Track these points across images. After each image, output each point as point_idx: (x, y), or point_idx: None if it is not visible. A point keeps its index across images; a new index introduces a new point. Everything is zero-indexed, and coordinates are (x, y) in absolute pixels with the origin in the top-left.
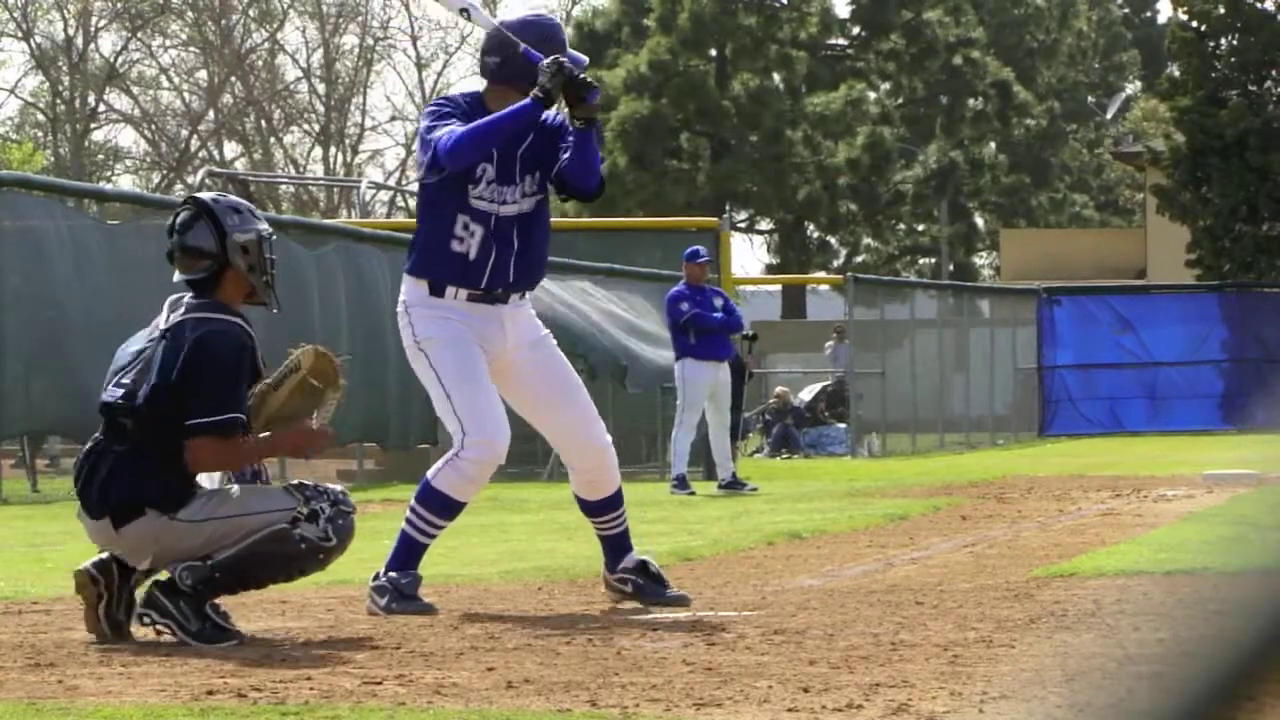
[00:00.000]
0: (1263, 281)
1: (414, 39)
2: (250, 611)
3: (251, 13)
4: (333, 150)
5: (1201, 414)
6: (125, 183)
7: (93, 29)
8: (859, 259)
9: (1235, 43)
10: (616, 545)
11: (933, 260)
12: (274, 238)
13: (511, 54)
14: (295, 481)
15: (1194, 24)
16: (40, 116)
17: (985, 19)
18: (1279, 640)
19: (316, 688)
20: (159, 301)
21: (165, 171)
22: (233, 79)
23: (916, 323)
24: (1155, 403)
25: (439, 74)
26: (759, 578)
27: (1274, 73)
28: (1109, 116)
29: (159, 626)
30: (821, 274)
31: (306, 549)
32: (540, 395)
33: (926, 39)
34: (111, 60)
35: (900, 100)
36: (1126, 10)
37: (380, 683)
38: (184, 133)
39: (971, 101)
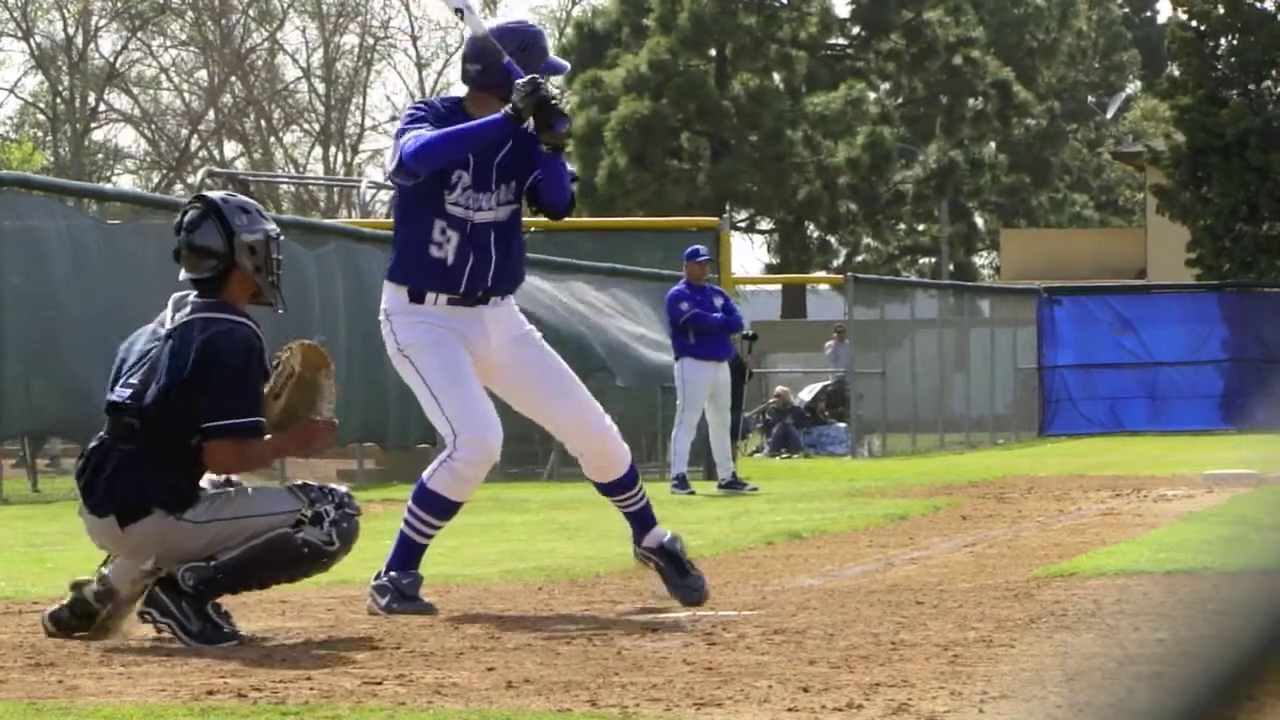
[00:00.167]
0: (1263, 281)
1: (414, 39)
2: (250, 611)
3: (251, 13)
4: (333, 150)
5: (1202, 414)
6: (125, 183)
7: (93, 29)
8: (859, 259)
9: (1235, 42)
10: (639, 520)
11: (933, 260)
12: (281, 238)
13: (493, 62)
14: (300, 482)
15: (1194, 24)
16: (40, 116)
17: (985, 19)
18: (1279, 640)
19: (316, 688)
20: (159, 301)
21: (165, 171)
22: (233, 79)
23: (917, 323)
24: (1155, 403)
25: (439, 74)
26: (759, 578)
27: (1274, 72)
28: (1109, 116)
29: (160, 625)
30: (821, 274)
31: (309, 552)
32: (534, 388)
33: (926, 39)
34: (111, 60)
35: (900, 100)
36: (1126, 10)
37: (380, 683)
38: (184, 133)
39: (971, 101)
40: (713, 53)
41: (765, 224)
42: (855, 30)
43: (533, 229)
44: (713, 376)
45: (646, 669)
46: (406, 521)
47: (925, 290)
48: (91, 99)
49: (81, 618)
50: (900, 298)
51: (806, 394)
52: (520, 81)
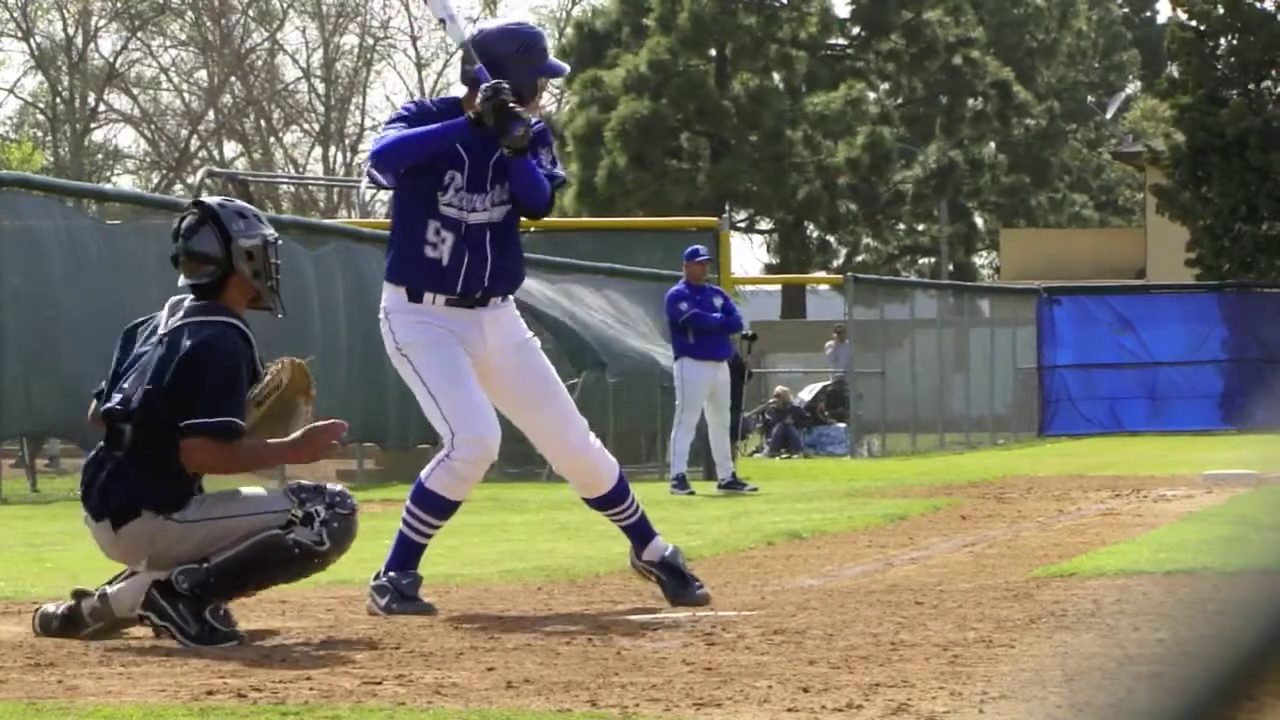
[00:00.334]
0: (1263, 281)
1: (414, 39)
2: (250, 611)
3: (251, 13)
4: (333, 150)
5: (1201, 414)
6: (125, 183)
7: (93, 29)
8: (859, 259)
9: (1235, 42)
10: (635, 533)
11: (933, 260)
12: (279, 242)
13: (490, 62)
14: (295, 483)
15: (1194, 24)
16: (40, 116)
17: (985, 19)
18: (1279, 640)
19: (316, 688)
20: (158, 301)
21: (165, 172)
22: (233, 79)
23: (916, 323)
24: (1155, 403)
25: (439, 74)
26: (759, 578)
27: (1274, 72)
28: (1109, 116)
29: (158, 628)
30: (821, 274)
31: (301, 553)
32: (520, 398)
33: (926, 39)
34: (111, 60)
35: (900, 100)
36: (1126, 10)
37: (380, 683)
38: (184, 133)
39: (971, 101)
40: (713, 53)
41: (765, 224)
42: (855, 30)
43: (531, 229)
44: (712, 376)
45: (646, 669)
46: (405, 521)
47: (925, 290)
48: (91, 99)
49: (70, 626)
50: (900, 298)
51: (806, 394)
52: (482, 86)
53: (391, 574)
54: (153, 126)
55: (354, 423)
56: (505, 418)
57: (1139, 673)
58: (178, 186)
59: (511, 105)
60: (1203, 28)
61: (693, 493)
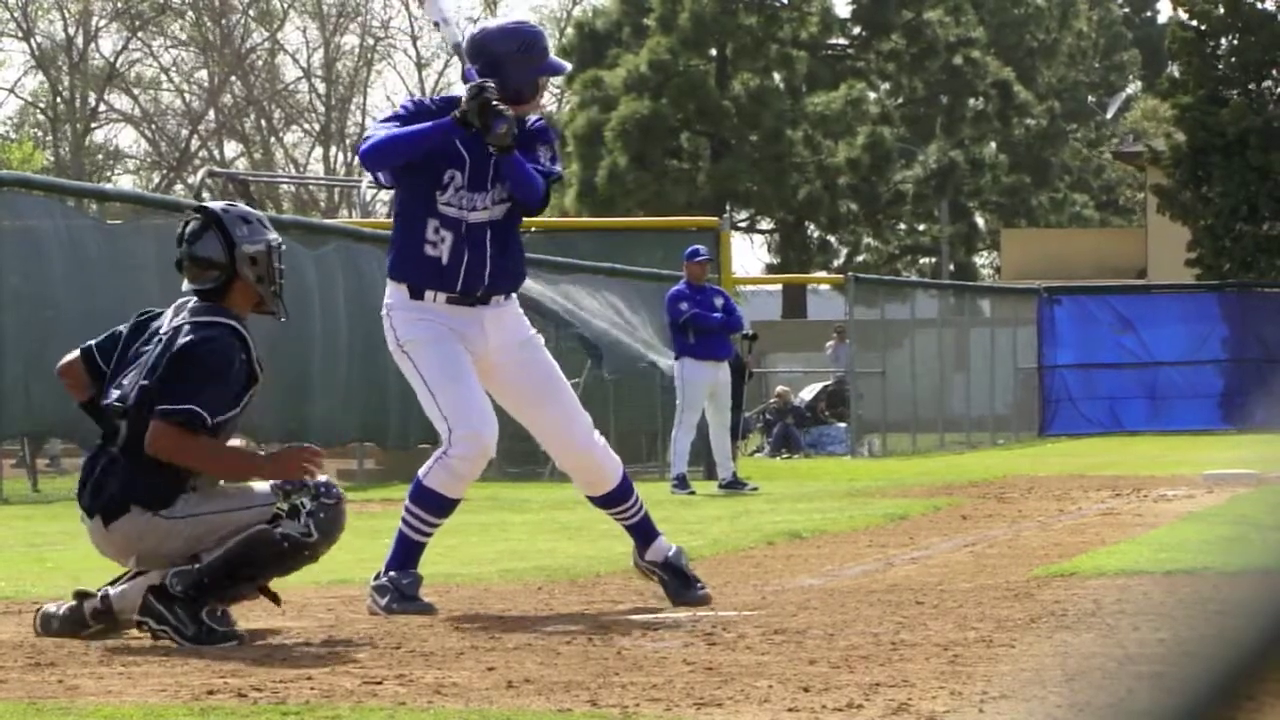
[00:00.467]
0: (1263, 281)
1: (414, 39)
2: (250, 611)
3: (251, 13)
4: (333, 150)
5: (1202, 414)
6: (125, 183)
7: (93, 29)
8: (859, 259)
9: (1235, 42)
10: (639, 533)
11: (933, 260)
12: (283, 247)
13: (490, 61)
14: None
15: (1194, 23)
16: (40, 116)
17: (985, 19)
18: (1279, 640)
19: (316, 688)
20: (158, 301)
21: (165, 171)
22: (233, 79)
23: (917, 322)
24: (1155, 402)
25: (439, 74)
26: (759, 577)
27: (1274, 72)
28: (1109, 116)
29: (158, 632)
30: (822, 274)
31: (289, 546)
32: (523, 395)
33: (927, 39)
34: (111, 60)
35: (900, 100)
36: (1127, 10)
37: (380, 683)
38: (184, 133)
39: (972, 101)
40: (713, 53)
41: (765, 224)
42: (855, 30)
43: (532, 229)
44: (712, 376)
45: (646, 669)
46: (404, 520)
47: (925, 290)
48: (91, 99)
49: (72, 626)
50: (900, 298)
51: (807, 394)
52: (468, 85)
53: (392, 574)
54: (153, 126)
55: (354, 422)
56: (508, 416)
57: (1139, 673)
58: (178, 186)
59: (495, 104)
60: (1203, 28)
61: (693, 492)
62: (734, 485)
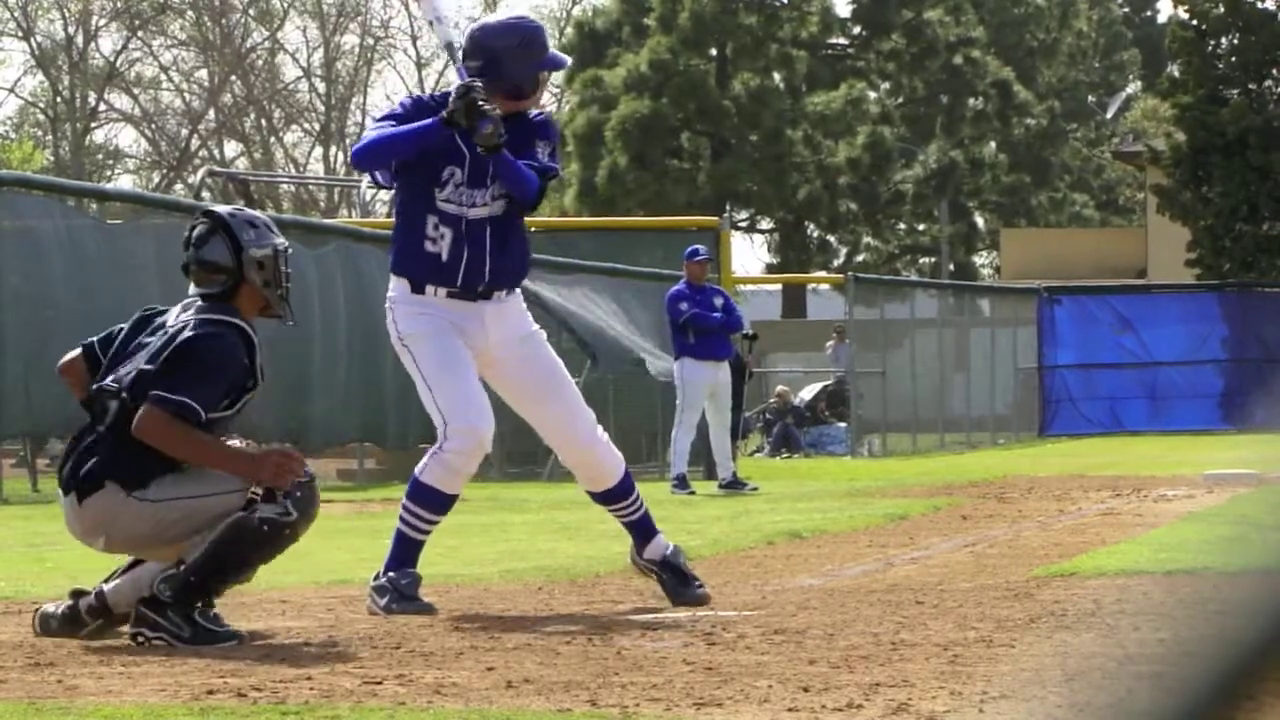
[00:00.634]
0: (1263, 281)
1: (414, 39)
2: (250, 611)
3: (251, 13)
4: (333, 150)
5: (1202, 414)
6: (125, 183)
7: (93, 28)
8: (859, 258)
9: (1235, 42)
10: (638, 530)
11: (933, 260)
12: (289, 251)
13: (490, 57)
14: None
15: (1194, 23)
16: (40, 116)
17: (985, 18)
18: (1279, 640)
19: (316, 688)
20: (158, 301)
21: (165, 171)
22: (233, 79)
23: (917, 322)
24: (1155, 402)
25: (440, 74)
26: (759, 577)
27: (1274, 71)
28: (1109, 116)
29: (154, 641)
30: (822, 273)
31: (270, 529)
32: (526, 391)
33: (927, 38)
34: (111, 60)
35: (900, 100)
36: (1126, 9)
37: (380, 683)
38: (184, 132)
39: (972, 101)
40: (713, 52)
41: (765, 224)
42: (856, 30)
43: (533, 229)
44: (712, 376)
45: (646, 669)
46: (402, 518)
47: (925, 290)
48: (92, 99)
49: (70, 625)
50: (900, 297)
51: (807, 394)
52: (455, 85)
53: (391, 574)
54: (153, 126)
55: (354, 422)
56: (507, 414)
57: (1139, 673)
58: (178, 186)
59: (481, 104)
60: (1203, 27)
61: (693, 492)
62: (734, 485)
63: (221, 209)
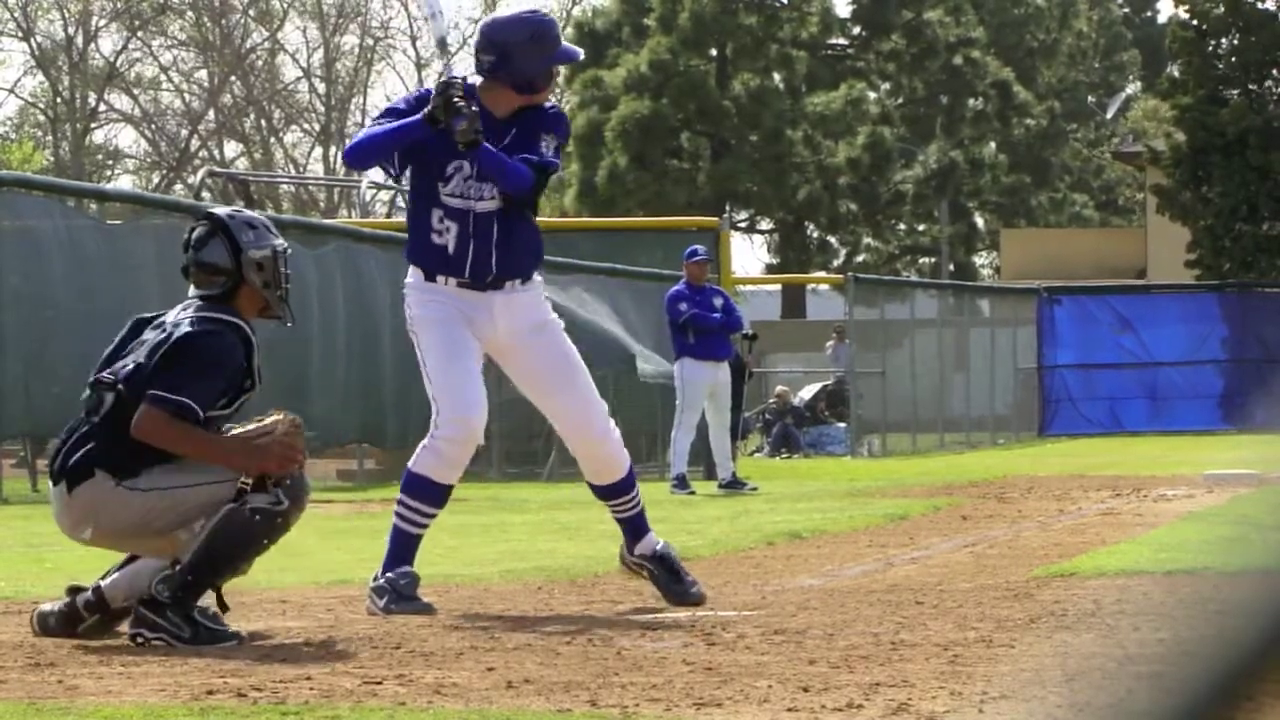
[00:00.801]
0: (1263, 281)
1: (413, 39)
2: (250, 611)
3: (251, 13)
4: (333, 150)
5: (1202, 414)
6: (125, 183)
7: (93, 29)
8: (859, 259)
9: (1235, 42)
10: (632, 527)
11: (933, 260)
12: (289, 252)
13: (501, 51)
14: None
15: (1194, 23)
16: (40, 116)
17: (985, 19)
18: (1279, 640)
19: (316, 688)
20: (158, 301)
21: (165, 171)
22: (233, 79)
23: (917, 322)
24: (1155, 403)
25: (440, 74)
26: (759, 578)
27: (1274, 72)
28: (1109, 116)
29: (154, 641)
30: (821, 274)
31: (263, 519)
32: (539, 381)
33: (927, 39)
34: (111, 60)
35: (900, 100)
36: (1127, 10)
37: (380, 683)
38: (184, 133)
39: (971, 101)
40: (713, 53)
41: (765, 224)
42: (856, 30)
43: None
44: (712, 376)
45: (646, 669)
46: (397, 513)
47: (925, 290)
48: (91, 99)
49: (68, 623)
50: (900, 298)
51: (806, 394)
52: (437, 82)
53: (390, 575)
54: (153, 126)
55: (353, 423)
56: (506, 413)
57: (1139, 673)
58: (178, 186)
59: (457, 101)
60: (1203, 27)
61: (693, 492)
62: (734, 485)
63: (220, 210)
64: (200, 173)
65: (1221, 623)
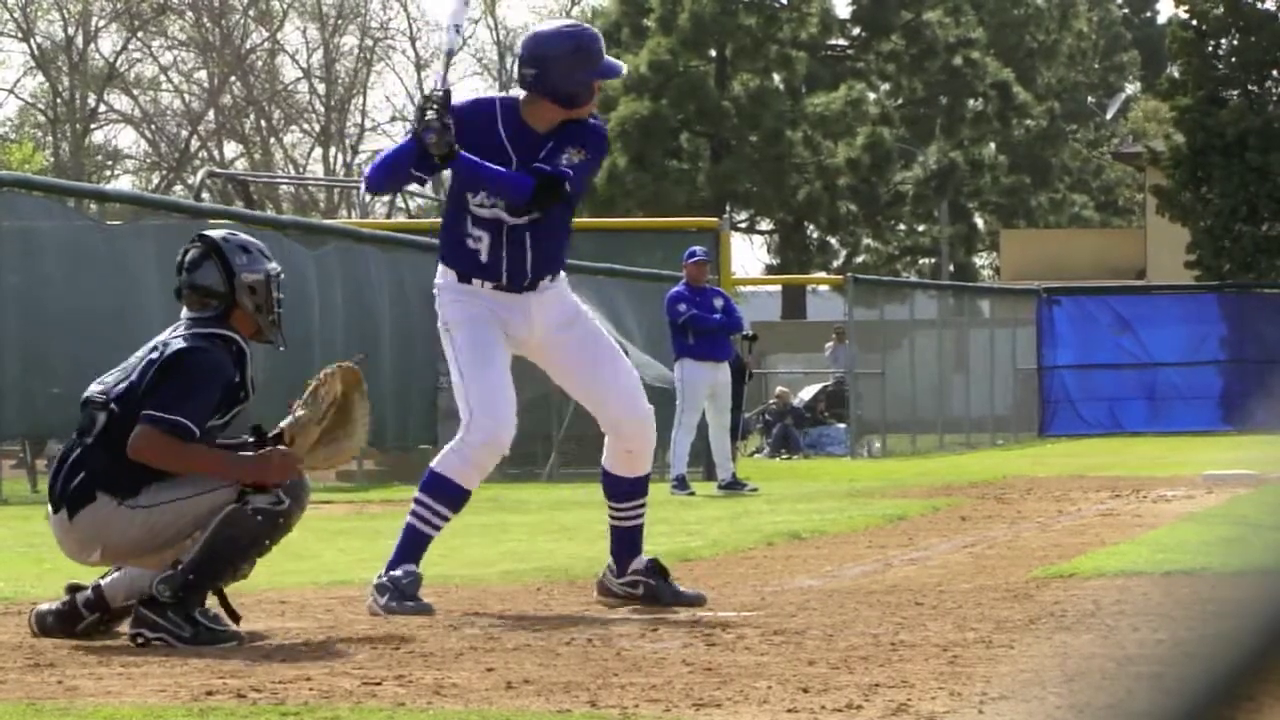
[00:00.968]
0: (1262, 281)
1: (413, 40)
2: (250, 611)
3: (251, 13)
4: (333, 150)
5: (1201, 414)
6: (125, 183)
7: (93, 29)
8: (859, 259)
9: (1235, 42)
10: (631, 541)
11: (933, 260)
12: (282, 276)
13: (543, 64)
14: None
15: (1194, 23)
16: (40, 117)
17: (985, 19)
18: (1279, 640)
19: (316, 688)
20: (158, 302)
21: (165, 172)
22: (233, 79)
23: (916, 323)
24: (1155, 403)
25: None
26: (759, 578)
27: (1274, 72)
28: (1109, 117)
29: (154, 642)
30: (821, 274)
31: (264, 519)
32: (583, 370)
33: (926, 39)
34: (111, 60)
35: (900, 101)
36: (1126, 10)
37: (380, 683)
38: (184, 133)
39: (971, 102)
40: (713, 53)
41: (765, 224)
42: (855, 31)
43: None
44: (712, 377)
45: (646, 669)
46: (413, 511)
47: (925, 291)
48: (91, 99)
49: (67, 622)
50: (900, 298)
51: (806, 394)
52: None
53: (393, 573)
54: (153, 127)
55: None
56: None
57: (1139, 673)
58: (178, 187)
59: (428, 116)
60: (1203, 28)
61: (693, 493)
62: (733, 486)
63: (215, 233)
64: (200, 173)
65: (1221, 623)
